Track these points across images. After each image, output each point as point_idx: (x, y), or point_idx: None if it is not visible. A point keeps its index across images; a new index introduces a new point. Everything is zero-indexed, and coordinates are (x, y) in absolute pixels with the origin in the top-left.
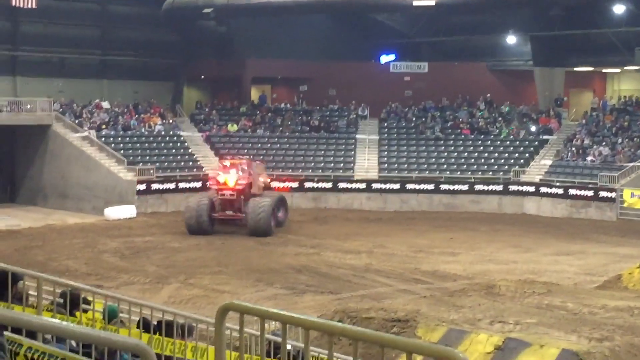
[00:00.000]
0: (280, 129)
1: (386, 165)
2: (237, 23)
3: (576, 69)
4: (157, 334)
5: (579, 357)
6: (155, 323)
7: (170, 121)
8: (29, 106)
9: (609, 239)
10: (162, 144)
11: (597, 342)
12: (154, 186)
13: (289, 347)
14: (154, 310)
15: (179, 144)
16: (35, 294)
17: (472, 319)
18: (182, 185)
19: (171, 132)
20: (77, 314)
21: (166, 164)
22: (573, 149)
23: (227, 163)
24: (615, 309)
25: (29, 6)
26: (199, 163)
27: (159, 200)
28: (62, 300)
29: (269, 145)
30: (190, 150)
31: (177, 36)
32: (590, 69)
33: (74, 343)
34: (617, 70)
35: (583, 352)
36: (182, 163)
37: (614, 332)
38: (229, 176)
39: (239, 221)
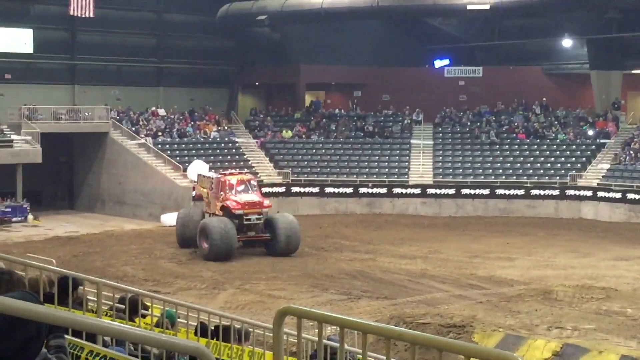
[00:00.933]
0: (335, 134)
1: (441, 170)
2: (291, 29)
3: (634, 71)
4: (215, 339)
5: None
6: (213, 328)
7: (226, 128)
8: (87, 114)
9: None
10: (218, 151)
11: None
12: None
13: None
14: (211, 316)
15: (234, 151)
16: (95, 299)
17: (529, 324)
18: None
19: (226, 139)
20: (136, 319)
21: (221, 170)
22: (631, 152)
23: (233, 180)
24: None
25: (87, 15)
26: (254, 169)
27: None
28: (121, 306)
29: (323, 151)
30: (245, 157)
31: (232, 43)
32: None
33: (132, 347)
34: None
35: None
36: (237, 169)
37: None
38: (252, 198)
39: (263, 242)
